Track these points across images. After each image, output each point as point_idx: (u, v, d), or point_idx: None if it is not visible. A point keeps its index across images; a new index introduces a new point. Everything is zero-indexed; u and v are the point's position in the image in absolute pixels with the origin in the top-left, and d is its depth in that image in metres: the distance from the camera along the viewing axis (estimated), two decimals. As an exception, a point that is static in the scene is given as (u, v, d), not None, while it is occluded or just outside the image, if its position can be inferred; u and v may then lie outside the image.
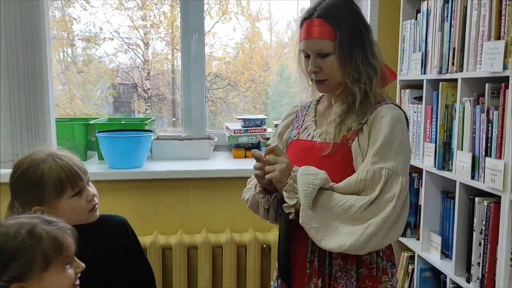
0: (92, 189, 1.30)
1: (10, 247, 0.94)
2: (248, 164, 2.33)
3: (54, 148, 1.32)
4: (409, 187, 1.93)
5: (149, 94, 3.63)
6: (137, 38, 3.51)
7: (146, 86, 3.58)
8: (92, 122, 2.43)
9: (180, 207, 2.26)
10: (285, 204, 1.17)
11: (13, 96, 2.05)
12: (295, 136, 1.37)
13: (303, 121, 1.38)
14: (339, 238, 1.14)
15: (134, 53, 3.52)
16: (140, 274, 1.41)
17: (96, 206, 1.30)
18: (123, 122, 2.53)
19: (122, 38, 3.30)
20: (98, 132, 2.25)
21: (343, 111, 1.26)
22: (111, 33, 3.16)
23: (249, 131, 2.54)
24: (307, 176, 1.16)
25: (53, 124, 2.14)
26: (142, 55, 3.63)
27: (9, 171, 2.06)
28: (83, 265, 1.04)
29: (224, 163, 2.39)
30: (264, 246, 2.24)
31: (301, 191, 1.14)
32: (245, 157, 2.49)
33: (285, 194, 1.17)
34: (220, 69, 3.45)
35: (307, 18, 1.27)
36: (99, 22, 3.08)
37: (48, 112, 2.10)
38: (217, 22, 3.20)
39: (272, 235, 2.23)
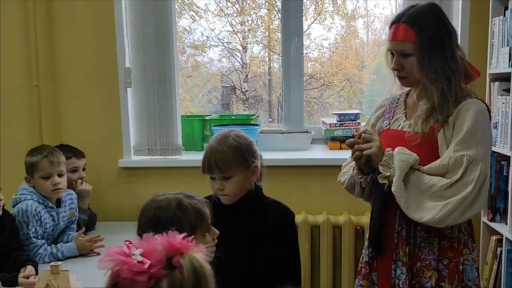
0: None
1: (165, 218, 1.14)
2: (342, 155, 2.56)
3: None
4: (498, 175, 2.06)
5: (247, 96, 3.91)
6: (236, 43, 3.81)
7: (244, 88, 3.88)
8: (207, 118, 2.84)
9: (282, 191, 2.56)
10: (380, 175, 1.41)
11: (148, 97, 2.51)
12: (386, 126, 1.60)
13: (393, 112, 1.60)
14: (421, 211, 1.37)
15: (233, 57, 3.84)
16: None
17: None
18: (233, 117, 2.91)
19: (223, 43, 3.61)
20: (214, 126, 2.64)
21: (429, 109, 1.45)
22: (218, 39, 3.48)
23: (344, 124, 2.77)
24: (403, 155, 1.40)
25: (179, 120, 2.57)
26: (241, 58, 3.93)
27: (144, 158, 2.55)
28: (217, 232, 1.22)
29: (321, 153, 2.66)
30: (358, 228, 2.47)
31: (397, 165, 1.38)
32: (340, 148, 2.72)
33: (380, 167, 1.41)
34: (314, 69, 3.58)
35: (395, 22, 1.49)
36: (204, 30, 3.32)
37: (175, 110, 2.54)
38: (312, 22, 3.31)
39: (365, 218, 2.44)
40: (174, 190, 1.28)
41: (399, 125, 1.55)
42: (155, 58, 2.49)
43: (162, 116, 2.53)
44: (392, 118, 1.59)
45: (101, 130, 2.54)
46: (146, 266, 0.75)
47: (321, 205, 2.55)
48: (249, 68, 3.79)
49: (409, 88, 1.62)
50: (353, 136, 1.49)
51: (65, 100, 2.53)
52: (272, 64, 3.88)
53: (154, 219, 1.15)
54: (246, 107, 3.68)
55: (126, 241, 0.84)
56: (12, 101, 2.52)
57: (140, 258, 0.76)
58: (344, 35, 3.59)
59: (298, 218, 2.49)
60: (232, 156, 1.51)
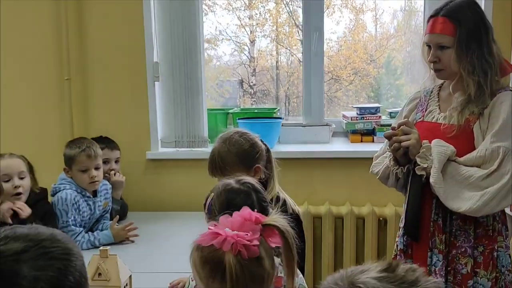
0: None
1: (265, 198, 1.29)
2: (364, 147, 2.64)
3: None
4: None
5: (254, 90, 3.94)
6: (244, 36, 3.83)
7: (252, 82, 3.92)
8: (230, 111, 2.90)
9: (306, 182, 2.63)
10: (418, 167, 1.47)
11: (176, 91, 2.57)
12: (420, 118, 1.65)
13: (427, 105, 1.65)
14: (459, 201, 1.43)
15: (242, 51, 3.86)
16: None
17: None
18: (256, 111, 2.97)
19: (231, 37, 3.64)
20: (239, 119, 2.70)
21: (464, 101, 1.51)
22: (226, 33, 3.50)
23: (365, 118, 2.83)
24: (441, 147, 1.46)
25: (205, 113, 2.63)
26: (248, 52, 3.95)
27: (171, 150, 2.61)
28: None
29: (342, 146, 2.73)
30: (381, 219, 2.54)
31: (436, 157, 1.44)
32: (361, 141, 2.78)
33: (418, 159, 1.47)
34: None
35: (434, 16, 1.54)
36: (212, 23, 3.33)
37: (202, 104, 2.60)
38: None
39: (388, 209, 2.51)
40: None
41: (433, 117, 1.60)
42: (182, 53, 2.55)
43: (189, 109, 2.59)
44: (426, 110, 1.64)
45: (129, 123, 2.60)
46: (250, 234, 0.88)
47: (344, 196, 2.61)
48: (256, 62, 3.84)
49: (441, 81, 1.67)
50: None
51: (95, 93, 2.59)
52: (279, 58, 3.92)
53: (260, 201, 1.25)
54: (254, 101, 3.71)
55: (212, 223, 0.95)
56: (45, 94, 2.59)
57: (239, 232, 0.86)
58: (353, 28, 3.60)
59: (322, 209, 2.55)
60: (233, 160, 1.57)
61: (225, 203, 1.23)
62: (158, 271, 1.82)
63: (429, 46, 1.56)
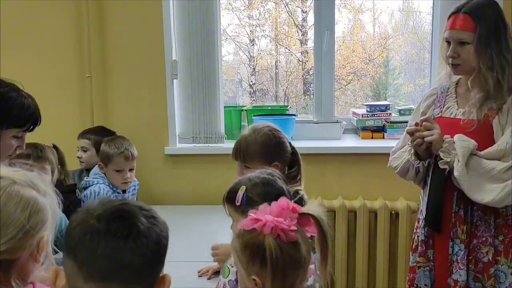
0: None
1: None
2: (375, 144, 2.73)
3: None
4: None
5: (254, 89, 4.00)
6: (244, 36, 3.89)
7: (252, 81, 3.98)
8: (244, 109, 2.97)
9: (319, 177, 2.72)
10: (441, 161, 1.55)
11: (193, 88, 2.64)
12: (438, 114, 1.72)
13: (444, 101, 1.73)
14: (481, 192, 1.51)
15: (241, 50, 3.92)
16: None
17: None
18: (269, 108, 3.04)
19: (231, 36, 3.68)
20: (254, 116, 2.77)
21: (483, 97, 1.59)
22: (226, 32, 3.56)
23: (375, 115, 2.91)
24: (463, 142, 1.54)
25: (222, 110, 2.70)
26: (248, 51, 4.01)
27: (189, 145, 2.68)
28: None
29: (354, 142, 2.81)
30: (392, 212, 2.63)
31: (460, 152, 1.52)
32: (372, 138, 2.87)
33: (441, 154, 1.55)
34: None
35: (455, 13, 1.62)
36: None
37: (219, 101, 2.67)
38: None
39: (399, 203, 2.60)
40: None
41: (451, 113, 1.68)
42: (200, 51, 2.61)
43: (206, 106, 2.66)
44: (444, 106, 1.72)
45: (148, 119, 2.67)
46: (288, 220, 0.97)
47: (357, 191, 2.70)
48: (256, 61, 3.89)
49: (457, 78, 1.74)
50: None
51: (115, 90, 2.66)
52: (279, 58, 3.98)
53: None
54: (253, 100, 3.79)
55: (253, 211, 1.04)
56: (66, 91, 2.65)
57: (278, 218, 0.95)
58: (351, 28, 3.68)
59: (335, 203, 2.64)
60: (256, 149, 1.64)
61: (264, 192, 1.29)
62: (185, 260, 1.88)
63: (448, 42, 1.63)
